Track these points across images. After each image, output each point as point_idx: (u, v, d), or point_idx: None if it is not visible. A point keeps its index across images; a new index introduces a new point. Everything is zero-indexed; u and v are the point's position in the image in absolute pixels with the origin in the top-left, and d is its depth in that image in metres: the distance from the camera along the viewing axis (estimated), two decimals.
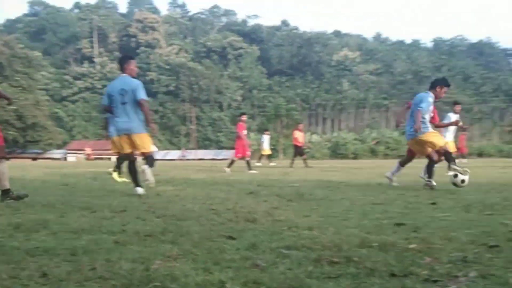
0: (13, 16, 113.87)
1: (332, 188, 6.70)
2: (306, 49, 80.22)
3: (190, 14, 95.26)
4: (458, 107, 9.72)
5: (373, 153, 42.50)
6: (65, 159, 46.33)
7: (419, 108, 6.48)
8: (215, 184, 7.66)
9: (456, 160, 6.92)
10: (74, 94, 68.88)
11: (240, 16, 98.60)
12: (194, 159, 42.48)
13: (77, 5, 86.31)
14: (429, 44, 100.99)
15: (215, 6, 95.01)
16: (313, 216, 3.82)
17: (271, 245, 2.62)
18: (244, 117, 13.24)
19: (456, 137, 12.69)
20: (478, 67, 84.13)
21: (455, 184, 6.22)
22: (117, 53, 70.99)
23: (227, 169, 12.20)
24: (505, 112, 69.70)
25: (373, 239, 2.71)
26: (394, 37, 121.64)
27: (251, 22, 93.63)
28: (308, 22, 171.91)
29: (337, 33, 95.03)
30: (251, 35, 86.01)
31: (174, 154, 49.27)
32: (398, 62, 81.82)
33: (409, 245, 2.55)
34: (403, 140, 45.33)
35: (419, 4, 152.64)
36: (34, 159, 42.72)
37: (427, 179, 6.64)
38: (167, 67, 70.55)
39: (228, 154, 51.27)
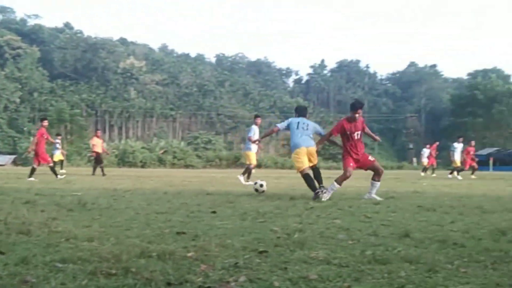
0: None
1: (117, 197, 6.56)
2: (91, 54, 78.98)
3: None
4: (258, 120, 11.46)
5: (161, 162, 43.34)
6: None
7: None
8: None
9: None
10: None
11: (18, 15, 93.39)
12: None
13: None
14: (213, 59, 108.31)
15: None
16: (94, 227, 3.68)
17: (45, 258, 2.45)
18: (46, 123, 12.95)
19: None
20: (257, 84, 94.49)
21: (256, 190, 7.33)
22: None
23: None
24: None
25: (153, 248, 2.74)
26: (179, 49, 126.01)
27: (31, 22, 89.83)
28: (93, 27, 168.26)
29: (123, 41, 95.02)
30: (31, 35, 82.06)
31: None
32: (184, 74, 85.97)
33: (187, 253, 2.66)
34: (189, 150, 47.31)
35: (204, 21, 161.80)
36: None
37: None
38: None
39: (5, 159, 45.38)
